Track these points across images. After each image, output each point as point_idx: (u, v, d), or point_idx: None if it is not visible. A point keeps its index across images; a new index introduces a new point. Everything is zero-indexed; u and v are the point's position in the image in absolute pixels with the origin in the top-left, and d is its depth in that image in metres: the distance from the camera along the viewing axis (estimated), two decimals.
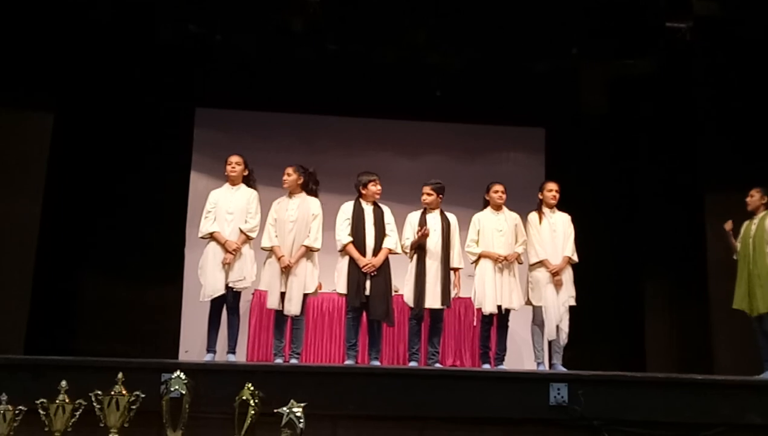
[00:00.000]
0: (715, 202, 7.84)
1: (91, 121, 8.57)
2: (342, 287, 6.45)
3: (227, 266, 6.28)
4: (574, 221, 6.90)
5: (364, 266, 6.36)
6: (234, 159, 6.56)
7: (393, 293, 6.60)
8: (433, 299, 6.52)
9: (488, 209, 6.84)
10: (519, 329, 7.27)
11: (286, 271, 6.34)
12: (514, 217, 6.84)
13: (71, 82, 8.06)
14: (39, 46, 7.52)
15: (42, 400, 3.92)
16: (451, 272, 6.64)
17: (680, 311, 8.69)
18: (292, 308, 6.32)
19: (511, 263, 6.69)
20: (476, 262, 6.76)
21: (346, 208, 6.60)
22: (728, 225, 6.66)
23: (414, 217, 6.69)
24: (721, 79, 7.98)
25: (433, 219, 6.65)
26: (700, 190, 8.11)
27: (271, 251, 6.45)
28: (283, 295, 6.34)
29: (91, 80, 8.45)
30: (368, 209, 6.56)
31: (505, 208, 6.84)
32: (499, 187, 6.83)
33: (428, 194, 6.69)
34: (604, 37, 7.60)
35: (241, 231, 6.37)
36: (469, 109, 9.21)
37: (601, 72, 8.13)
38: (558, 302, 6.64)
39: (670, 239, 8.73)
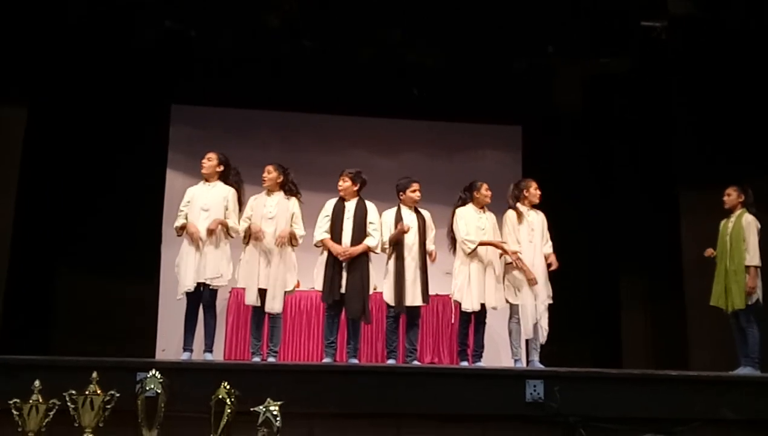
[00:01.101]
0: (690, 200, 7.92)
1: (66, 118, 8.48)
2: (320, 284, 6.41)
3: (203, 257, 6.20)
4: (550, 218, 6.94)
5: (338, 254, 6.32)
6: (208, 154, 6.50)
7: (371, 291, 6.57)
8: (413, 297, 6.51)
9: (471, 207, 6.79)
10: (497, 326, 7.30)
11: (278, 247, 6.28)
12: (492, 216, 6.85)
13: (46, 78, 7.95)
14: (12, 41, 7.43)
15: (15, 400, 3.88)
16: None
17: (656, 308, 8.76)
18: (276, 305, 6.30)
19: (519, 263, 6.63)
20: (472, 252, 6.62)
21: (328, 206, 6.58)
22: (708, 252, 6.70)
23: (389, 215, 6.65)
24: (696, 77, 8.05)
25: (409, 216, 6.63)
26: (675, 187, 8.17)
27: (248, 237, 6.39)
28: (260, 291, 6.32)
29: (66, 76, 8.35)
30: (350, 206, 6.52)
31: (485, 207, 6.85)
32: (487, 186, 6.82)
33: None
34: (579, 35, 7.65)
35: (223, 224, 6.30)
36: (446, 107, 9.23)
37: (577, 70, 8.18)
38: (536, 301, 6.63)
39: (645, 236, 8.80)
